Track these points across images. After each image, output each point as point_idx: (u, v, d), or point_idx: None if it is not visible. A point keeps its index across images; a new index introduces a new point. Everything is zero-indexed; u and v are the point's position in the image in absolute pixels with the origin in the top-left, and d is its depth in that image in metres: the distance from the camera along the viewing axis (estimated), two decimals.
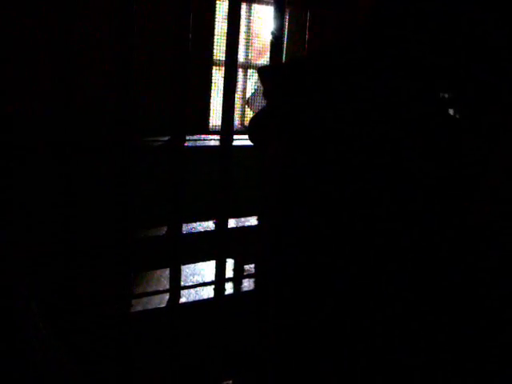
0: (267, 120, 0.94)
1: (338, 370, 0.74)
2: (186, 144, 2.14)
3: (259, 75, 1.05)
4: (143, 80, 2.78)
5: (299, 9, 2.70)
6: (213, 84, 3.84)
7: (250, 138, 1.02)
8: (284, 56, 2.52)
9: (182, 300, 2.33)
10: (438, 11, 0.73)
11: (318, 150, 0.76)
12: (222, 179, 2.27)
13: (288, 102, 0.86)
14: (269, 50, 2.39)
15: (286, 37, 2.56)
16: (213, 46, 3.79)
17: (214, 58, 3.84)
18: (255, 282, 2.36)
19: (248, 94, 4.22)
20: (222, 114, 2.25)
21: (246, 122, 3.99)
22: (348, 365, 0.72)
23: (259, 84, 4.40)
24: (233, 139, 2.26)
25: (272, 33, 2.50)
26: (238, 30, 2.31)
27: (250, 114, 4.14)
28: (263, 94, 1.00)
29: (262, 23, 4.12)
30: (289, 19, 2.78)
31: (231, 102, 2.21)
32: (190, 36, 2.11)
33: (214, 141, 2.44)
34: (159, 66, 3.24)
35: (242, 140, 2.45)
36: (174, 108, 2.17)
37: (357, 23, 2.52)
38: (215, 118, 3.88)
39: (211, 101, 3.85)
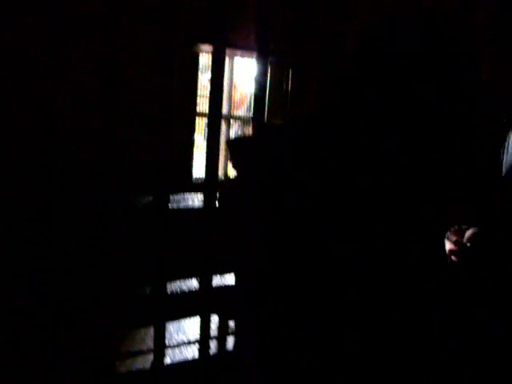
0: (235, 190, 0.99)
1: None
2: (169, 205, 2.16)
3: (228, 147, 1.10)
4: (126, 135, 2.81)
5: (281, 67, 2.79)
6: (195, 135, 3.90)
7: (219, 205, 1.06)
8: (266, 111, 2.59)
9: (167, 361, 2.31)
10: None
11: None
12: (205, 238, 2.29)
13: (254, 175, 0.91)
14: (247, 100, 2.45)
15: (268, 91, 2.63)
16: (196, 97, 3.87)
17: (197, 109, 3.91)
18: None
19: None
20: (205, 175, 2.28)
21: (230, 173, 4.05)
22: None
23: (240, 132, 4.48)
24: (216, 198, 2.29)
25: (255, 90, 2.57)
26: (221, 85, 2.38)
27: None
28: (232, 165, 1.04)
29: (242, 75, 4.23)
30: (271, 75, 2.86)
31: (214, 167, 2.25)
32: (174, 89, 2.16)
33: (197, 201, 2.47)
34: (143, 120, 3.29)
35: None
36: (157, 168, 2.20)
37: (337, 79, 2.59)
38: (199, 169, 3.93)
39: (194, 151, 3.90)
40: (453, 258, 1.33)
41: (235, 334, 2.50)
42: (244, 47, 2.51)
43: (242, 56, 3.66)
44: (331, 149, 0.87)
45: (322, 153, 0.87)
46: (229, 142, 1.00)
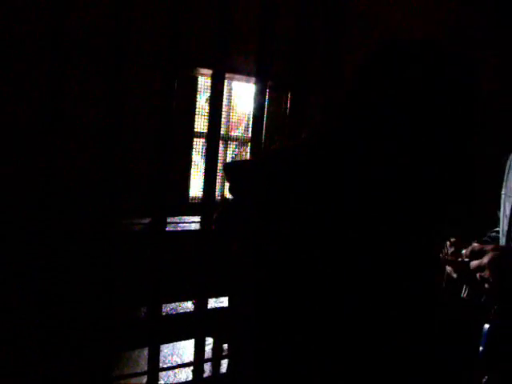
0: (229, 214, 1.00)
1: None
2: (167, 228, 2.18)
3: (224, 171, 1.11)
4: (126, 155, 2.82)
5: (280, 90, 2.82)
6: (193, 155, 3.93)
7: (215, 231, 1.07)
8: (264, 134, 2.62)
9: (161, 383, 2.30)
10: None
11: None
12: (201, 261, 2.30)
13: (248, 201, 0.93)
14: (244, 122, 2.48)
15: (265, 115, 2.67)
16: (194, 119, 3.91)
17: (195, 130, 3.95)
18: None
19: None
20: (203, 196, 2.31)
21: (226, 194, 4.07)
22: None
23: (237, 154, 4.51)
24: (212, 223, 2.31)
25: (253, 113, 2.61)
26: (220, 106, 2.41)
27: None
28: (228, 189, 1.06)
29: (239, 97, 4.29)
30: (269, 99, 2.89)
31: (211, 189, 2.27)
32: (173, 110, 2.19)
33: (194, 223, 2.48)
34: (142, 141, 3.31)
35: None
36: (155, 190, 2.22)
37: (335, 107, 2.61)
38: (195, 189, 3.96)
39: (191, 171, 3.93)
40: (452, 274, 1.35)
41: (230, 354, 2.50)
42: (242, 71, 2.54)
43: (239, 80, 3.72)
44: (331, 173, 0.90)
45: (322, 177, 0.89)
46: (226, 165, 1.01)
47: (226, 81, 2.44)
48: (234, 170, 1.05)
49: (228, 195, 1.04)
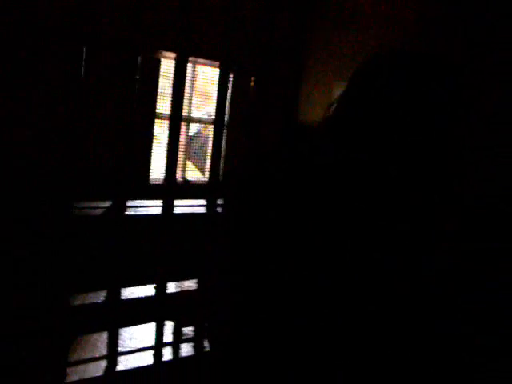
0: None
1: None
2: (126, 212, 2.16)
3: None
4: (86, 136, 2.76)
5: (243, 75, 2.80)
6: (154, 137, 3.86)
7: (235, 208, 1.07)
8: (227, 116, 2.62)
9: (120, 367, 2.30)
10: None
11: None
12: (162, 244, 2.30)
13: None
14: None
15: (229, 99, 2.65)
16: (156, 100, 3.84)
17: (156, 111, 3.87)
18: None
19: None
20: (165, 179, 2.29)
21: (187, 175, 4.03)
22: None
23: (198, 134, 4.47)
24: (173, 205, 2.30)
25: (217, 96, 2.60)
26: (183, 86, 2.39)
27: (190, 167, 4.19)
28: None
29: (203, 81, 4.24)
30: (233, 84, 2.88)
31: (172, 171, 2.26)
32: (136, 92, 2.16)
33: (155, 207, 2.47)
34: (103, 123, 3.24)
35: (182, 207, 2.49)
36: (116, 173, 2.19)
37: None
38: (156, 171, 3.90)
39: (152, 154, 3.87)
40: None
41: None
42: (207, 56, 2.52)
43: (205, 64, 3.67)
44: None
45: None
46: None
47: (190, 65, 2.41)
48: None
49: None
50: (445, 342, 0.95)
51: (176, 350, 2.47)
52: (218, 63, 2.51)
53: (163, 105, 4.05)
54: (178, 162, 3.91)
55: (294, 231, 0.87)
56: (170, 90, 3.94)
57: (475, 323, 0.98)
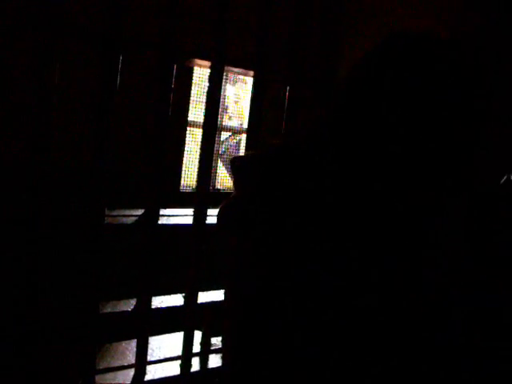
0: (233, 211, 0.98)
1: None
2: (159, 222, 2.15)
3: (231, 165, 1.08)
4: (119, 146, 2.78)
5: (279, 85, 2.78)
6: (186, 144, 3.89)
7: (217, 225, 1.04)
8: (260, 126, 2.60)
9: (148, 377, 2.29)
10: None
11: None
12: (193, 254, 2.28)
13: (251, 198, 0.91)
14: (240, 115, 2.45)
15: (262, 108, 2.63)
16: (188, 108, 3.86)
17: (189, 119, 3.90)
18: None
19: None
20: (196, 189, 2.28)
21: (218, 184, 4.04)
22: None
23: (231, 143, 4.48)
24: (206, 215, 2.28)
25: (251, 105, 2.58)
26: (219, 95, 2.37)
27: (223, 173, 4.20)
28: (232, 183, 1.03)
29: (236, 90, 4.25)
30: (268, 95, 2.87)
31: (206, 180, 2.25)
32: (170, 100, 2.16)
33: (187, 217, 2.45)
34: (137, 131, 3.26)
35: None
36: (149, 182, 2.18)
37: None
38: (187, 178, 3.92)
39: (184, 161, 3.89)
40: None
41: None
42: (240, 65, 2.50)
43: (237, 74, 3.67)
44: (338, 170, 0.88)
45: (328, 174, 0.87)
46: (232, 160, 0.98)
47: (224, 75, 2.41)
48: (240, 165, 1.02)
49: (233, 189, 1.02)
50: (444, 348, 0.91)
51: (204, 361, 2.45)
52: (252, 72, 2.49)
53: (195, 113, 4.08)
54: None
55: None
56: (202, 99, 3.97)
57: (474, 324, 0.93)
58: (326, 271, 0.81)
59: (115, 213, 2.30)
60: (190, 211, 2.48)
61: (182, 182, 3.92)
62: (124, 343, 2.53)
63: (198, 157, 2.62)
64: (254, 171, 0.95)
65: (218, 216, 1.04)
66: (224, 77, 2.46)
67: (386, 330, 0.83)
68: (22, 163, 2.13)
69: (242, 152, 4.33)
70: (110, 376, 2.27)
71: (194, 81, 3.89)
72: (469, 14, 1.87)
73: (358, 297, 0.81)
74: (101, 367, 2.30)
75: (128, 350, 2.47)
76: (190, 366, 2.39)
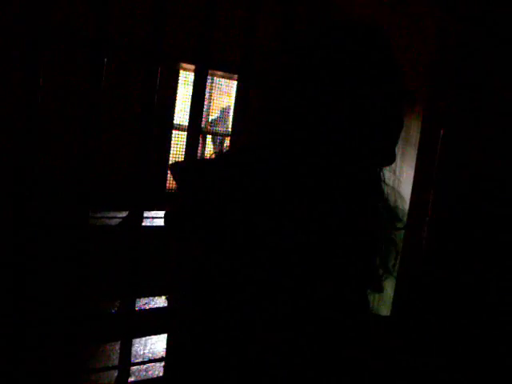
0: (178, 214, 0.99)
1: None
2: (143, 223, 2.16)
3: (170, 171, 1.10)
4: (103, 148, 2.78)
5: (262, 87, 2.80)
6: (171, 147, 3.90)
7: (166, 232, 1.06)
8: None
9: (131, 379, 2.29)
10: None
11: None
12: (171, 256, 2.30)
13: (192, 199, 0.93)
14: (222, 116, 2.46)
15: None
16: (174, 111, 3.88)
17: (174, 122, 3.91)
18: None
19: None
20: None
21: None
22: None
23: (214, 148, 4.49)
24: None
25: (235, 108, 2.60)
26: (203, 99, 2.39)
27: None
28: (177, 188, 1.04)
29: (220, 93, 4.27)
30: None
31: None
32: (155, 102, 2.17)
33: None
34: (121, 132, 3.27)
35: None
36: (133, 183, 2.19)
37: None
38: (172, 181, 3.93)
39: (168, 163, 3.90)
40: None
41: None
42: (225, 69, 2.53)
43: (222, 77, 3.70)
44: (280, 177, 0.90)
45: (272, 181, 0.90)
46: (171, 165, 1.01)
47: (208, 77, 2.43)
48: (177, 172, 1.04)
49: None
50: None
51: None
52: (236, 76, 2.52)
53: (181, 116, 4.10)
54: None
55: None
56: (188, 102, 3.99)
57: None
58: (275, 261, 0.83)
59: (99, 214, 2.31)
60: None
61: (167, 184, 3.93)
62: (108, 345, 2.53)
63: (182, 159, 2.64)
64: (193, 176, 0.97)
65: (164, 221, 1.05)
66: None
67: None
68: (5, 165, 2.13)
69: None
70: (93, 377, 2.27)
71: (179, 83, 3.91)
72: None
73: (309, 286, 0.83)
74: (85, 369, 2.30)
75: (112, 352, 2.47)
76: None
